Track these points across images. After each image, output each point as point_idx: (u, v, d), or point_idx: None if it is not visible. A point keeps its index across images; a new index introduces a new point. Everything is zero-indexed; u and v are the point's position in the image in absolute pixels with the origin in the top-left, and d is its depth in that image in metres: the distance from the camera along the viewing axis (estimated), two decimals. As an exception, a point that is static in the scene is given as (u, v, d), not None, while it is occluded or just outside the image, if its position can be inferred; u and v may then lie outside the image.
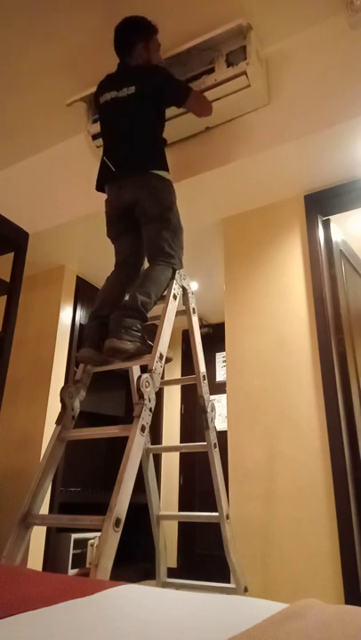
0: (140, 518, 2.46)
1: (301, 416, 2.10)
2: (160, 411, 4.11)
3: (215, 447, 1.89)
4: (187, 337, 4.07)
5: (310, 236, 2.36)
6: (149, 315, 1.83)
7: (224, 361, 3.24)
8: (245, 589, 1.80)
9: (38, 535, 2.66)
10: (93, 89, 2.27)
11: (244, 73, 2.10)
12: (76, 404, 1.76)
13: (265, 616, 0.64)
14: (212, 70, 2.17)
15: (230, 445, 2.23)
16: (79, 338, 3.23)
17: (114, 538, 1.26)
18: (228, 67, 2.13)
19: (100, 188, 2.10)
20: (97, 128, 2.36)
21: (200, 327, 2.14)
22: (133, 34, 2.08)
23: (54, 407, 2.89)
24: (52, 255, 3.15)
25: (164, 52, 2.20)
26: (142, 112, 2.01)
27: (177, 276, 1.94)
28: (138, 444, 1.43)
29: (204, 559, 3.61)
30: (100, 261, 2.95)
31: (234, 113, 2.30)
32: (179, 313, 1.98)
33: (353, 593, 1.77)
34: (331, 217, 2.46)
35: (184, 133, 2.41)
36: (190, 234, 2.24)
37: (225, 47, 2.16)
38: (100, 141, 2.38)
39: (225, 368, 2.62)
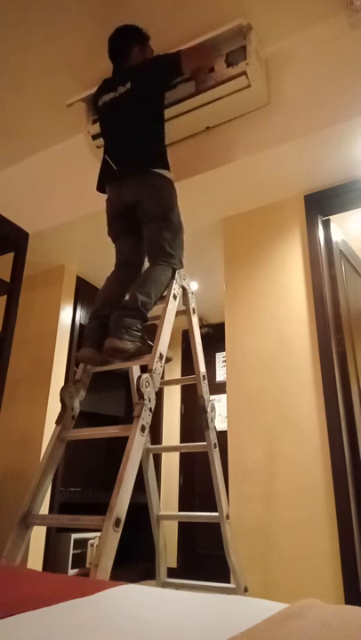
0: (140, 518, 2.47)
1: (301, 416, 2.10)
2: (160, 411, 4.11)
3: (215, 447, 1.89)
4: (187, 337, 4.06)
5: (310, 236, 2.36)
6: (149, 315, 1.83)
7: (224, 361, 3.24)
8: (245, 589, 1.80)
9: (38, 535, 2.66)
10: (93, 89, 2.28)
11: (244, 73, 2.09)
12: (76, 404, 1.76)
13: (265, 616, 0.64)
14: (211, 70, 2.17)
15: (230, 445, 2.23)
16: (79, 338, 3.23)
17: (114, 538, 1.26)
18: (227, 67, 2.12)
19: (100, 188, 2.10)
20: (97, 128, 2.36)
21: (200, 327, 2.14)
22: (129, 39, 2.11)
23: (54, 407, 2.89)
24: (52, 255, 3.15)
25: (164, 52, 2.19)
26: (141, 110, 2.01)
27: (177, 275, 1.94)
28: (138, 444, 1.43)
29: (204, 559, 3.61)
30: (100, 261, 2.95)
31: (234, 113, 2.30)
32: (179, 313, 1.98)
33: (353, 593, 1.77)
34: (331, 217, 2.46)
35: (184, 133, 2.41)
36: (190, 234, 2.24)
37: (225, 47, 2.16)
38: (100, 141, 2.38)
39: (225, 368, 2.62)
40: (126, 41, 2.11)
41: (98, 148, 2.43)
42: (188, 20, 2.17)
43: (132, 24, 2.11)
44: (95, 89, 2.22)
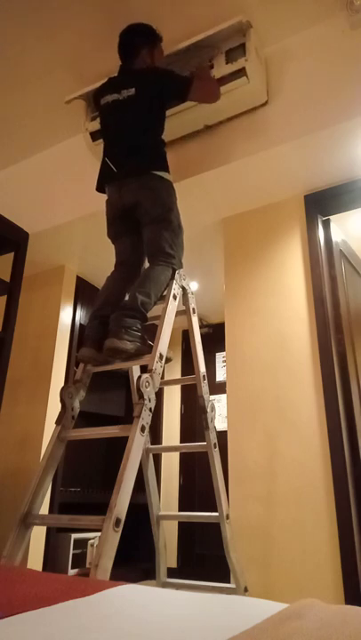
0: (140, 518, 2.47)
1: (301, 416, 2.10)
2: (160, 411, 4.11)
3: (215, 447, 1.89)
4: (187, 337, 4.06)
5: (310, 236, 2.36)
6: (149, 315, 1.83)
7: (224, 361, 3.24)
8: (245, 589, 1.80)
9: (38, 535, 2.66)
10: (92, 87, 2.28)
11: (243, 69, 2.09)
12: (76, 404, 1.76)
13: (265, 616, 0.64)
14: (211, 67, 2.16)
15: (230, 445, 2.23)
16: (79, 338, 3.23)
17: (114, 538, 1.26)
18: (226, 63, 2.12)
19: (100, 188, 2.10)
20: (95, 126, 2.36)
21: (200, 327, 2.14)
22: (139, 39, 2.10)
23: (54, 407, 2.89)
24: (52, 255, 3.15)
25: (164, 50, 2.19)
26: (142, 114, 2.01)
27: (177, 276, 1.94)
28: (138, 444, 1.43)
29: (204, 559, 3.61)
30: (100, 261, 2.95)
31: (233, 111, 2.30)
32: (179, 313, 1.98)
33: (353, 593, 1.77)
34: (331, 217, 2.46)
35: (183, 131, 2.41)
36: (190, 234, 2.24)
37: (224, 45, 2.15)
38: (99, 140, 2.38)
39: (225, 368, 2.62)
40: (136, 42, 2.10)
41: (97, 146, 2.43)
42: (187, 16, 2.17)
43: (144, 23, 2.09)
44: (95, 86, 2.22)
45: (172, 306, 1.88)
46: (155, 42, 2.12)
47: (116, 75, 2.14)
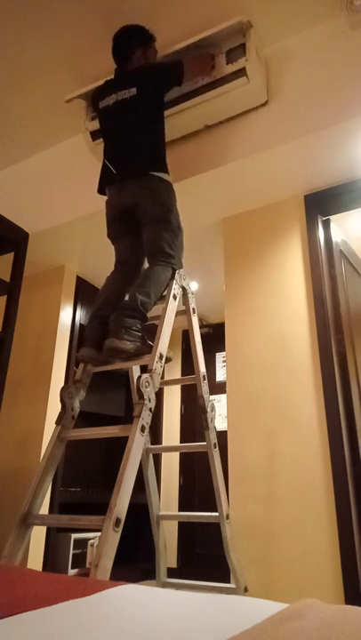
0: (140, 518, 2.47)
1: (301, 416, 2.10)
2: (160, 411, 4.11)
3: (215, 447, 1.89)
4: (187, 337, 4.06)
5: (310, 236, 2.36)
6: (149, 315, 1.83)
7: (224, 361, 3.24)
8: (245, 589, 1.80)
9: (38, 535, 2.66)
10: (92, 85, 2.28)
11: (243, 69, 2.10)
12: (76, 404, 1.76)
13: (265, 616, 0.64)
14: (212, 67, 2.16)
15: (230, 445, 2.23)
16: (79, 338, 3.23)
17: (114, 538, 1.26)
18: (227, 63, 2.13)
19: (101, 191, 2.11)
20: (95, 125, 2.37)
21: (200, 327, 2.14)
22: (132, 40, 2.11)
23: (54, 407, 2.89)
24: (52, 255, 3.15)
25: (165, 49, 2.20)
26: (143, 114, 2.02)
27: (177, 276, 1.94)
28: (138, 444, 1.43)
29: (204, 559, 3.61)
30: (100, 261, 2.95)
31: (233, 111, 2.30)
32: (179, 313, 1.98)
33: (353, 593, 1.77)
34: (331, 217, 2.46)
35: (183, 131, 2.41)
36: (190, 234, 2.24)
37: (225, 44, 2.16)
38: (99, 140, 2.39)
39: (225, 368, 2.62)
40: (129, 43, 2.11)
41: (97, 145, 2.43)
42: (187, 16, 2.17)
43: (137, 24, 2.10)
44: (95, 86, 2.23)
45: (172, 306, 1.88)
46: (148, 42, 2.13)
47: (112, 77, 2.15)
